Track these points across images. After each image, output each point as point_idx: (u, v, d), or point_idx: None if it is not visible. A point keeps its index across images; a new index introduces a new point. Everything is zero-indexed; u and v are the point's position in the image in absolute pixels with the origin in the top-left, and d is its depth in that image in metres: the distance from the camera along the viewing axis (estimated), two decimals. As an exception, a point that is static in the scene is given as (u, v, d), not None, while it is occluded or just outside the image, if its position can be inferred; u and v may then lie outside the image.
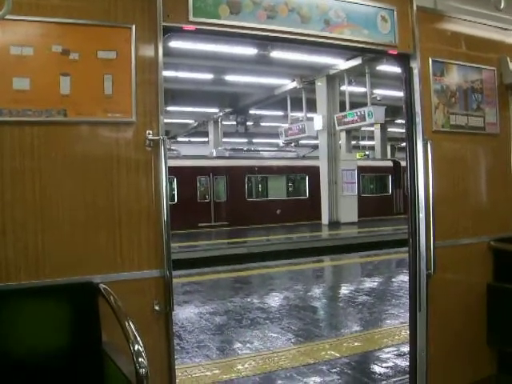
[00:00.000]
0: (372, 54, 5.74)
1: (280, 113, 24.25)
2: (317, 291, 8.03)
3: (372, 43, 3.21)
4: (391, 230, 16.26)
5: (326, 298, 7.67)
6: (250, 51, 15.11)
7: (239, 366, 4.38)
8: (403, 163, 21.89)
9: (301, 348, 4.87)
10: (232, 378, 4.11)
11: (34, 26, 2.34)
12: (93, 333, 2.36)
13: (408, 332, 3.47)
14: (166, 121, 2.65)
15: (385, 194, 25.36)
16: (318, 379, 4.06)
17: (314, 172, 21.28)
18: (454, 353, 3.42)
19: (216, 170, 20.90)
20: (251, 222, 19.98)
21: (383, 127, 26.80)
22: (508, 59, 3.74)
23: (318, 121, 19.42)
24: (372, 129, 26.85)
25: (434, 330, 3.30)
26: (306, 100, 20.04)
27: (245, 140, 31.85)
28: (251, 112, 24.85)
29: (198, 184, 20.60)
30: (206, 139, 27.87)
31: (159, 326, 2.59)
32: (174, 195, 18.93)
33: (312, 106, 19.85)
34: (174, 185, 19.14)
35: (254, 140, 32.67)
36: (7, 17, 2.13)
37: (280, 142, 24.99)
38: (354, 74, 18.28)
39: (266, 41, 3.94)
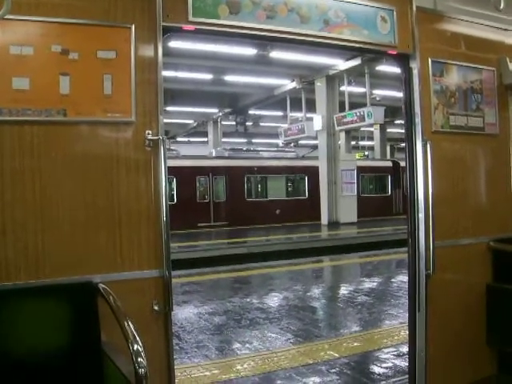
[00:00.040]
0: (371, 54, 5.74)
1: (279, 113, 24.27)
2: (316, 291, 8.03)
3: (371, 43, 3.21)
4: (391, 230, 16.26)
5: (325, 299, 7.67)
6: (249, 51, 15.11)
7: (238, 366, 4.38)
8: (403, 163, 21.86)
9: (300, 348, 4.87)
10: (231, 378, 4.11)
11: (33, 25, 2.34)
12: (92, 332, 2.36)
13: (407, 332, 3.47)
14: (165, 121, 2.65)
15: (384, 195, 25.36)
16: (317, 379, 4.06)
17: (313, 172, 21.28)
18: (453, 353, 3.42)
19: (215, 170, 20.90)
20: (251, 222, 19.97)
21: (382, 127, 26.80)
22: (507, 60, 3.74)
23: (317, 121, 19.42)
24: (371, 129, 26.87)
25: (434, 331, 3.30)
26: (306, 100, 20.06)
27: (244, 140, 31.85)
28: (251, 112, 24.86)
29: (198, 184, 20.60)
30: (205, 139, 27.86)
31: (158, 325, 2.59)
32: (173, 195, 18.93)
33: (311, 107, 19.86)
34: (174, 185, 19.14)
35: (254, 140, 32.67)
36: (7, 16, 2.13)
37: (279, 142, 24.99)
38: (354, 75, 18.29)
39: (265, 41, 3.94)
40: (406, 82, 3.36)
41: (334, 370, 4.22)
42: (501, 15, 3.65)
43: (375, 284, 8.30)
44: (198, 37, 10.22)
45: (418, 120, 3.32)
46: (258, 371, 4.26)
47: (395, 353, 4.59)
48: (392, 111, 21.74)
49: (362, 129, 23.47)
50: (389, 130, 28.67)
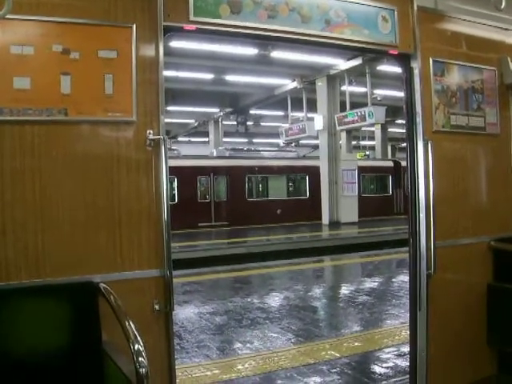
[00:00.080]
0: (372, 53, 5.74)
1: (280, 113, 24.25)
2: (317, 291, 8.03)
3: (372, 43, 3.21)
4: (391, 230, 16.25)
5: (326, 298, 7.67)
6: (250, 51, 15.11)
7: (239, 366, 4.38)
8: (403, 163, 21.88)
9: (301, 348, 4.87)
10: (232, 378, 4.11)
11: (34, 25, 2.34)
12: (93, 332, 2.36)
13: (408, 332, 3.47)
14: (166, 120, 2.65)
15: (385, 194, 25.35)
16: (318, 379, 4.06)
17: (314, 172, 21.28)
18: (454, 353, 3.42)
19: (216, 169, 20.91)
20: (251, 221, 19.96)
21: (384, 127, 26.81)
22: (508, 59, 3.73)
23: (318, 121, 19.42)
24: (372, 129, 26.86)
25: (435, 330, 3.29)
26: (307, 100, 20.03)
27: (245, 140, 31.86)
28: (251, 112, 24.85)
29: (199, 184, 20.61)
30: (206, 139, 27.87)
31: (159, 325, 2.59)
32: (174, 195, 18.94)
33: (312, 106, 19.84)
34: (175, 185, 19.15)
35: (255, 140, 32.68)
36: (8, 16, 2.13)
37: (280, 141, 24.99)
38: (355, 74, 18.27)
39: (266, 40, 3.94)
40: (407, 82, 3.36)
41: (334, 370, 4.22)
42: (502, 15, 3.64)
43: (376, 284, 8.30)
44: (198, 36, 10.21)
45: (419, 120, 3.32)
46: (259, 371, 4.26)
47: (396, 353, 4.59)
48: (393, 111, 21.70)
49: (363, 128, 23.44)
50: (390, 130, 28.67)
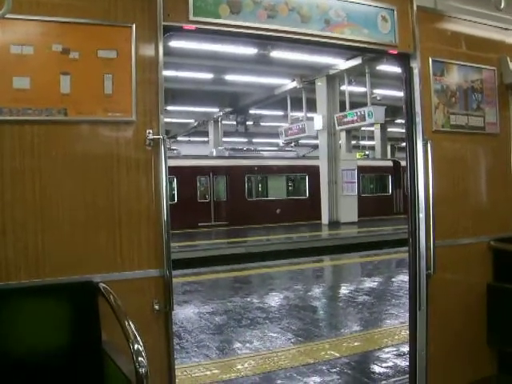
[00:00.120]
0: (372, 53, 5.74)
1: (280, 112, 24.26)
2: (316, 291, 8.03)
3: (372, 43, 3.21)
4: (391, 230, 16.26)
5: (325, 298, 7.68)
6: (249, 51, 15.11)
7: (239, 366, 4.38)
8: (403, 163, 21.89)
9: (300, 348, 4.87)
10: (231, 378, 4.11)
11: (34, 25, 2.34)
12: (93, 332, 2.36)
13: (408, 332, 3.47)
14: (166, 120, 2.65)
15: (385, 194, 25.37)
16: (317, 379, 4.06)
17: (313, 172, 21.29)
18: (453, 353, 3.42)
19: (216, 169, 20.92)
20: (251, 221, 19.97)
21: (383, 127, 26.81)
22: (508, 59, 3.73)
23: (318, 120, 19.43)
24: (372, 129, 26.86)
25: (434, 330, 3.29)
26: (306, 100, 20.04)
27: (245, 140, 31.87)
28: (251, 112, 24.86)
29: (198, 184, 20.62)
30: (206, 139, 27.88)
31: (159, 325, 2.59)
32: (174, 195, 18.94)
33: (312, 106, 19.85)
34: (174, 184, 19.15)
35: (254, 140, 32.68)
36: (7, 16, 2.13)
37: (280, 141, 25.00)
38: (354, 74, 18.28)
39: (266, 40, 3.93)
40: (406, 82, 3.36)
41: (334, 370, 4.22)
42: (502, 15, 3.64)
43: (376, 284, 8.30)
44: (198, 36, 10.21)
45: (418, 119, 3.32)
46: (259, 371, 4.26)
47: (396, 352, 4.59)
48: (393, 111, 21.72)
49: (362, 128, 23.44)
50: (389, 130, 28.67)
